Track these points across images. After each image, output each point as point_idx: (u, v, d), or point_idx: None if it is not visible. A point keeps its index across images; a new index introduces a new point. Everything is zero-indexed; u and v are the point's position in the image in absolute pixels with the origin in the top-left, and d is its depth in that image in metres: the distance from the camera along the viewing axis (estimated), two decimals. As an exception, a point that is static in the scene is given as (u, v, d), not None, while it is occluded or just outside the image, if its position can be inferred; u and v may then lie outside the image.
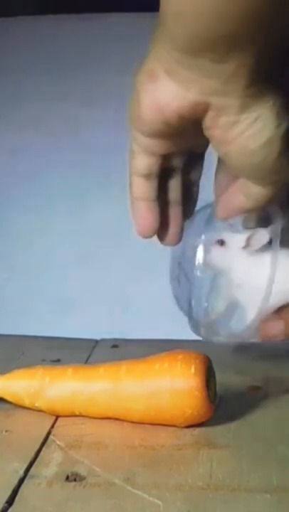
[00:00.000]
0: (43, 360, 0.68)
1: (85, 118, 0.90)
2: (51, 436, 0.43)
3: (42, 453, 0.40)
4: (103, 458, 0.39)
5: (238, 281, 0.55)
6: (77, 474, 0.36)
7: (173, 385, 0.44)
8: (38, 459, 0.39)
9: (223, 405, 0.48)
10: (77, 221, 0.90)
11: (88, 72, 0.91)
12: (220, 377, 0.49)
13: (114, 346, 0.75)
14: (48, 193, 0.92)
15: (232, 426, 0.46)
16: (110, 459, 0.39)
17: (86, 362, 0.69)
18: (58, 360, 0.68)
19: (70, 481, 0.36)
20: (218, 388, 0.47)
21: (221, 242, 0.55)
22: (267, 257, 0.52)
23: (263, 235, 0.53)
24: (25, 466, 0.38)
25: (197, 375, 0.44)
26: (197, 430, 0.45)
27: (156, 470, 0.37)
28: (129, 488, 0.35)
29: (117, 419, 0.46)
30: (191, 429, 0.45)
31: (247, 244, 0.54)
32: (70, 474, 0.36)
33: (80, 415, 0.47)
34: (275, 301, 0.52)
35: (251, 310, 0.53)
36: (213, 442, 0.43)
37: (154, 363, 0.46)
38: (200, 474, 0.37)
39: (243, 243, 0.54)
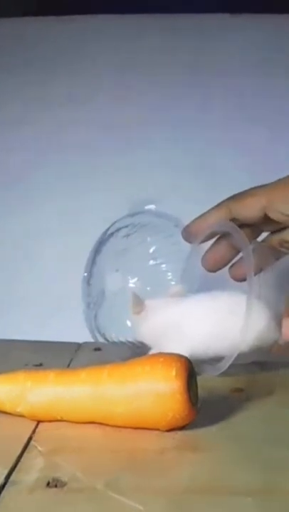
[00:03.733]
0: (26, 364, 0.67)
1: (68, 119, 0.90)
2: (32, 442, 0.43)
3: (23, 458, 0.40)
4: (85, 463, 0.39)
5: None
6: (58, 480, 0.36)
7: (154, 389, 0.44)
8: (19, 464, 0.39)
9: (205, 408, 0.48)
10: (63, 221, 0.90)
11: (72, 74, 0.91)
12: (203, 379, 0.49)
13: (97, 349, 0.75)
14: (32, 194, 0.91)
15: (214, 429, 0.46)
16: (92, 463, 0.39)
17: (68, 365, 0.68)
18: (41, 364, 0.68)
19: (51, 487, 0.35)
20: (200, 391, 0.47)
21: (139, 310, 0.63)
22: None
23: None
24: (6, 472, 0.37)
25: (178, 378, 0.44)
26: (179, 434, 0.45)
27: (138, 474, 0.37)
28: (111, 493, 0.35)
29: (99, 423, 0.46)
30: (173, 432, 0.45)
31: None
32: (51, 480, 0.36)
33: (62, 420, 0.47)
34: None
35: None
36: (195, 446, 0.43)
37: (135, 366, 0.45)
38: (182, 478, 0.37)
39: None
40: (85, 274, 0.73)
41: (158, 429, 0.45)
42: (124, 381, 0.45)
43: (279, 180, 0.57)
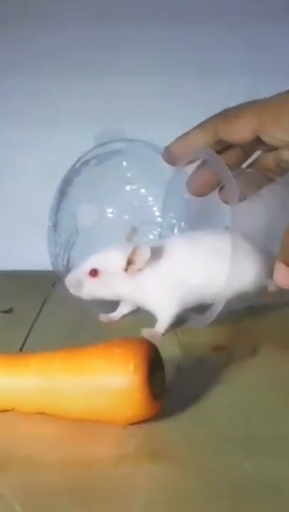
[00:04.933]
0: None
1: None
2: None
3: None
4: (30, 488, 0.34)
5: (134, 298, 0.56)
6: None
7: (110, 385, 0.38)
8: None
9: (179, 380, 0.44)
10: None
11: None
12: (182, 334, 0.47)
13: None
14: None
15: (185, 416, 0.41)
16: (38, 489, 0.34)
17: (40, 311, 0.63)
18: (10, 310, 0.62)
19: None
20: (178, 354, 0.45)
21: (94, 273, 0.53)
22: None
23: (144, 251, 0.52)
24: None
25: (137, 373, 0.38)
26: (143, 429, 0.39)
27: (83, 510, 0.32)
28: None
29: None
30: (136, 426, 0.39)
31: (129, 264, 0.54)
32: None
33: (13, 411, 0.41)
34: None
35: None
36: (158, 449, 0.37)
37: (89, 357, 0.39)
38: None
39: (121, 266, 0.53)
40: (50, 223, 0.65)
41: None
42: (77, 375, 0.39)
43: (272, 97, 0.49)
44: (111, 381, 0.38)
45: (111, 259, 0.53)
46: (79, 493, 0.33)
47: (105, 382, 0.38)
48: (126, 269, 0.53)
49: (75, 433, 0.39)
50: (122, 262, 0.53)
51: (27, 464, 0.36)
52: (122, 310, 0.59)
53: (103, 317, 0.58)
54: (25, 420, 0.41)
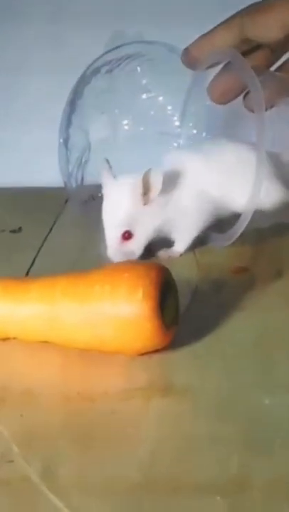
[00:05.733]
0: (2, 230, 0.58)
1: None
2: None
3: None
4: (27, 425, 0.31)
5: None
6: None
7: (117, 314, 0.35)
8: None
9: (195, 306, 0.41)
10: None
11: None
12: (201, 255, 0.43)
13: (85, 201, 0.64)
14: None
15: (200, 346, 0.37)
16: (35, 426, 0.31)
17: (51, 230, 0.59)
18: (20, 229, 0.59)
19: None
20: (195, 277, 0.43)
21: (128, 235, 0.48)
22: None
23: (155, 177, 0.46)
24: None
25: (146, 301, 0.34)
26: (153, 360, 0.36)
27: (85, 454, 0.29)
28: (45, 489, 0.27)
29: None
30: (147, 357, 0.36)
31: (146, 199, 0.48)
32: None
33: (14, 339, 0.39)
34: None
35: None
36: (170, 382, 0.34)
37: (94, 283, 0.36)
38: (139, 461, 0.29)
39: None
40: (61, 140, 0.59)
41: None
42: (80, 303, 0.36)
43: None
44: (117, 309, 0.35)
45: (128, 206, 0.48)
46: (80, 431, 0.30)
47: (111, 310, 0.35)
48: (145, 203, 0.47)
49: (79, 364, 0.36)
50: (139, 202, 0.47)
51: (25, 397, 0.33)
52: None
53: (162, 254, 0.52)
54: (27, 349, 0.38)
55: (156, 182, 0.47)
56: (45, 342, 0.37)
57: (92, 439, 0.30)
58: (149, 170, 0.46)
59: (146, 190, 0.47)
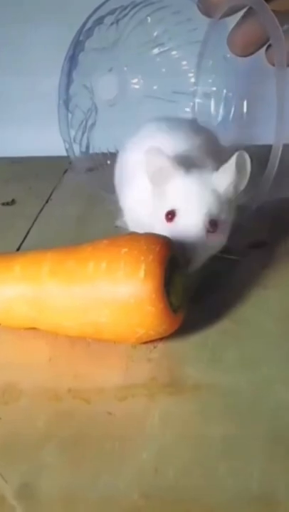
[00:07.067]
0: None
1: None
2: None
3: None
4: (6, 430, 0.26)
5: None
6: None
7: (114, 296, 0.29)
8: None
9: (206, 285, 0.36)
10: None
11: None
12: None
13: (90, 170, 0.58)
14: None
15: (212, 332, 0.32)
16: (16, 432, 0.26)
17: (47, 201, 0.54)
18: (13, 201, 0.54)
19: None
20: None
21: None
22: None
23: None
24: None
25: (149, 281, 0.29)
26: (158, 349, 0.31)
27: (75, 467, 0.24)
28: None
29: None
30: (150, 346, 0.31)
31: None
32: None
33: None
34: None
35: None
36: (177, 376, 0.29)
37: (87, 260, 0.30)
38: (140, 475, 0.24)
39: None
40: (60, 100, 0.53)
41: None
42: (71, 282, 0.30)
43: None
44: (115, 290, 0.29)
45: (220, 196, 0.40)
46: (69, 438, 0.26)
47: (108, 292, 0.29)
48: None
49: (70, 355, 0.31)
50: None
51: (5, 396, 0.28)
52: None
53: None
54: (10, 337, 0.33)
55: (248, 167, 0.39)
56: (32, 328, 0.32)
57: (84, 447, 0.25)
58: (242, 152, 0.39)
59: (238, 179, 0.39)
